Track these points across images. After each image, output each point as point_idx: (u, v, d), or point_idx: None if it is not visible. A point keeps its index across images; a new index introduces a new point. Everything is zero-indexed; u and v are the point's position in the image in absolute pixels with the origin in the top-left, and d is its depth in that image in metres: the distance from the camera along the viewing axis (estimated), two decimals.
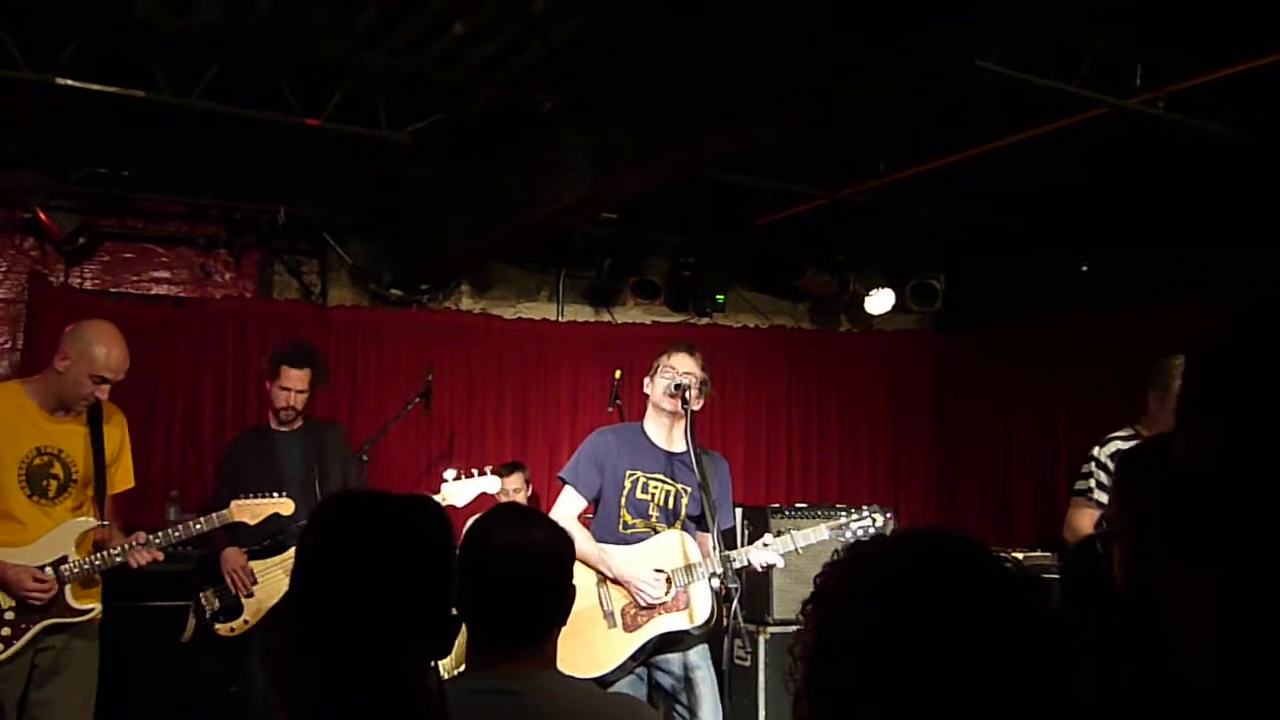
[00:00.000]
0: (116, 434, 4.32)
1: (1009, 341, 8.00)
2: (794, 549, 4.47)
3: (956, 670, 1.11)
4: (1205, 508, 0.88)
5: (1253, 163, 5.46)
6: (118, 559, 4.12)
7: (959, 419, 8.45)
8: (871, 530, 4.55)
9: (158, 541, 4.19)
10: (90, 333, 4.11)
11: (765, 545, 4.43)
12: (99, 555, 4.12)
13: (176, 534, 4.29)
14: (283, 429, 5.45)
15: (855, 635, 1.18)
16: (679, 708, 4.33)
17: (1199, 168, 5.70)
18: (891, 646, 1.14)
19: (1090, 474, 4.68)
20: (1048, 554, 6.30)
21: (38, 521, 4.07)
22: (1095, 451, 4.69)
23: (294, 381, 5.37)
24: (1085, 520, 4.68)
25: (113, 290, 6.82)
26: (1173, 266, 6.37)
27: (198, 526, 4.36)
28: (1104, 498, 4.61)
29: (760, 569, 4.51)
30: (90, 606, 4.15)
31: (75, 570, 4.06)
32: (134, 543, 4.14)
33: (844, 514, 4.63)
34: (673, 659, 4.36)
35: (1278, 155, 5.31)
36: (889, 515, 4.66)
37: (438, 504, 1.78)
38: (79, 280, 6.77)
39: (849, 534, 4.55)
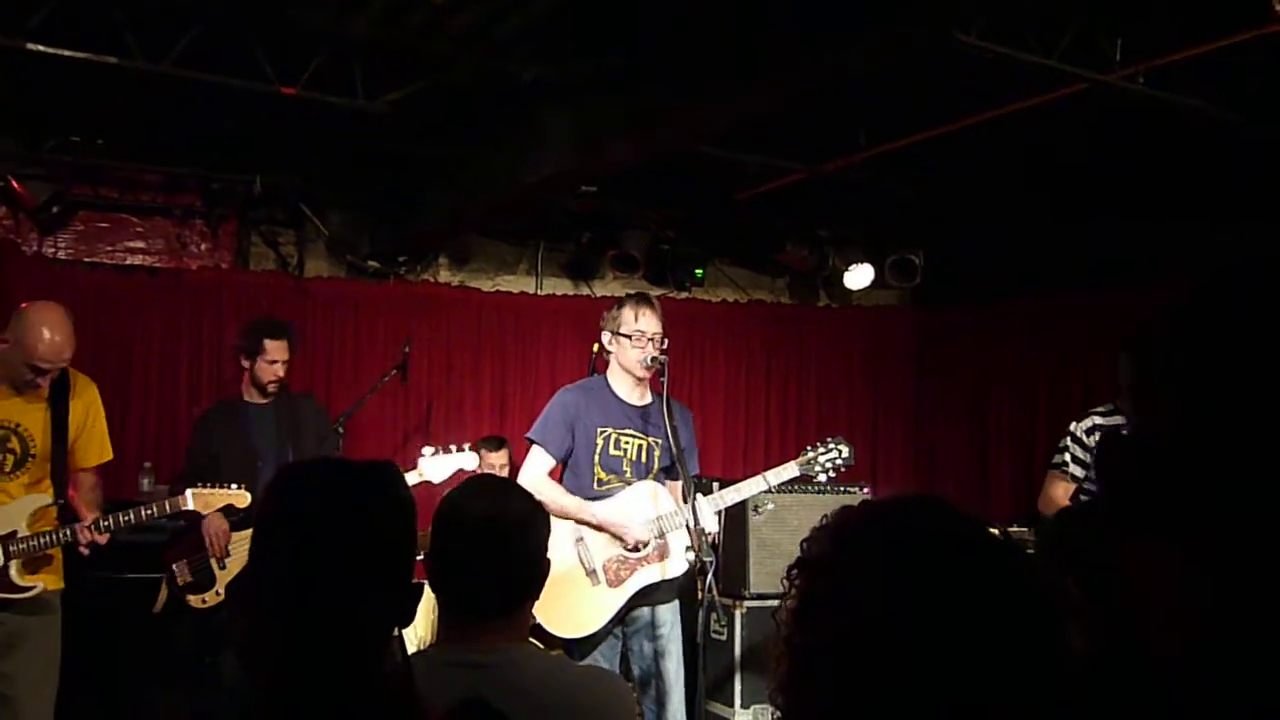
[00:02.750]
0: (82, 407, 4.23)
1: (988, 317, 8.03)
2: (768, 487, 4.60)
3: (940, 632, 1.11)
4: (1154, 482, 0.88)
5: (1233, 138, 5.46)
6: (66, 538, 4.06)
7: (938, 394, 8.47)
8: (838, 461, 4.71)
9: (105, 524, 4.12)
10: (30, 318, 3.99)
11: (737, 489, 4.54)
12: (61, 531, 4.05)
13: (127, 519, 4.19)
14: (258, 402, 5.43)
15: (839, 598, 1.18)
16: (645, 670, 4.41)
17: (1179, 143, 5.70)
18: (875, 609, 1.14)
19: (1066, 448, 4.76)
20: (1025, 528, 6.32)
21: None
22: (1073, 426, 4.78)
23: (278, 353, 5.37)
24: (1059, 493, 4.75)
25: (87, 260, 6.76)
26: (1154, 242, 6.38)
27: (147, 513, 4.29)
28: (1079, 471, 4.68)
29: (749, 496, 4.65)
30: (33, 584, 4.05)
31: (22, 547, 3.99)
32: (83, 524, 4.09)
33: (810, 449, 4.73)
34: (643, 616, 4.41)
35: (1258, 131, 5.31)
36: (852, 446, 4.75)
37: (397, 469, 1.75)
38: (53, 250, 6.70)
39: (817, 467, 4.69)
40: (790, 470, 4.64)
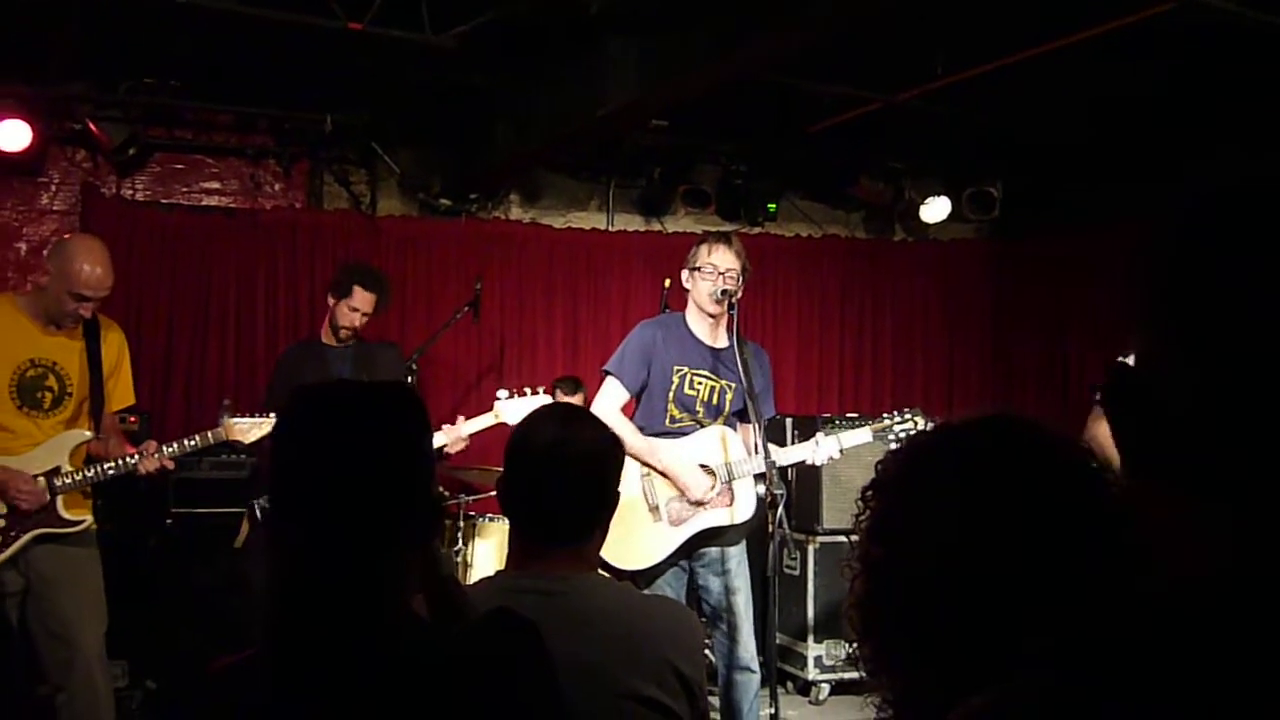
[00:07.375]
0: (114, 350, 4.30)
1: (1069, 251, 7.82)
2: (839, 450, 4.56)
3: (1014, 551, 1.09)
4: (1159, 427, 0.83)
5: None
6: (133, 464, 4.14)
7: (1015, 330, 8.31)
8: (914, 433, 4.60)
9: (171, 450, 4.21)
10: (70, 250, 4.04)
11: (817, 444, 4.50)
12: (104, 465, 4.12)
13: (171, 449, 4.24)
14: (334, 344, 5.48)
15: (913, 515, 1.17)
16: (715, 605, 4.41)
17: (1274, 65, 5.46)
18: (950, 528, 1.13)
19: None
20: None
21: (27, 432, 4.08)
22: (1121, 360, 4.65)
23: (363, 304, 5.42)
24: (1102, 430, 4.64)
25: (164, 201, 6.85)
26: (1243, 171, 6.15)
27: (191, 443, 4.32)
28: None
29: (819, 464, 4.60)
30: (82, 518, 4.14)
31: (68, 481, 4.07)
32: (145, 451, 4.16)
33: (887, 417, 4.73)
34: (712, 554, 4.40)
35: None
36: (932, 419, 4.70)
37: (410, 390, 1.79)
38: (131, 192, 6.80)
39: (891, 436, 4.61)
40: (864, 435, 4.65)
